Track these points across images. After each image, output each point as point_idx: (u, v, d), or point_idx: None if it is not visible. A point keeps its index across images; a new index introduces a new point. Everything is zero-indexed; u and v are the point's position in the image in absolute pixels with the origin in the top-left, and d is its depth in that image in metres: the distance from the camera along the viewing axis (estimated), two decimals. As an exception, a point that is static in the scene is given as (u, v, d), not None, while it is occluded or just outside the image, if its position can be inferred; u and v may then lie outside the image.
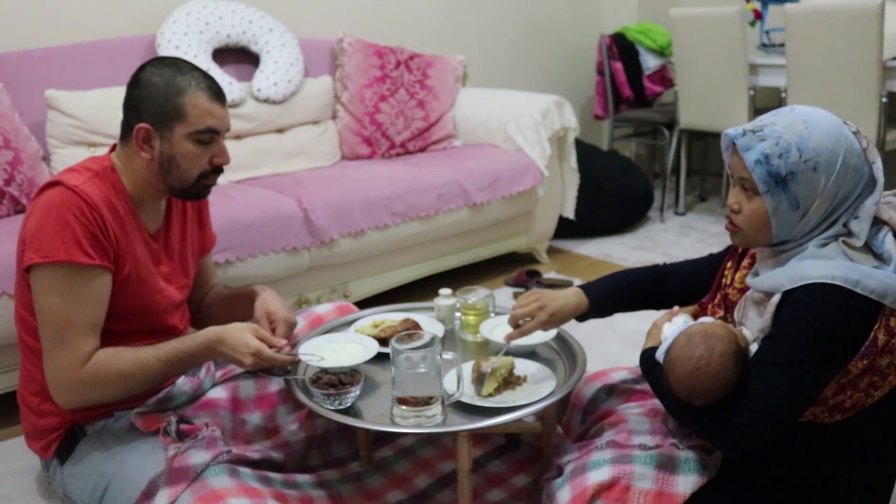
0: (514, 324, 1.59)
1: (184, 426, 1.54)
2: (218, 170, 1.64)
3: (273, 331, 1.66)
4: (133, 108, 1.56)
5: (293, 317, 1.73)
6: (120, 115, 1.60)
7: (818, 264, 1.25)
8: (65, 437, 1.61)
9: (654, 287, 1.62)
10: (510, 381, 1.56)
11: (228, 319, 1.65)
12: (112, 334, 1.55)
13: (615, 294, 1.62)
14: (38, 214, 1.48)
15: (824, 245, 1.29)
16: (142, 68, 1.58)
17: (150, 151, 1.56)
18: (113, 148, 1.65)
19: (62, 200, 1.47)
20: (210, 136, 1.58)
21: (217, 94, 1.59)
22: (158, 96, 1.53)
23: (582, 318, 1.61)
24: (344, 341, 1.72)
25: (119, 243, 1.54)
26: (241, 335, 1.56)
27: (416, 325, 1.78)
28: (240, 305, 1.83)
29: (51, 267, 1.46)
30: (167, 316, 1.69)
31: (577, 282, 3.20)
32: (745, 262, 1.49)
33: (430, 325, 1.83)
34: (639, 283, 1.63)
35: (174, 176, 1.58)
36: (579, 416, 1.70)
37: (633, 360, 1.57)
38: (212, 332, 1.58)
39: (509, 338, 1.59)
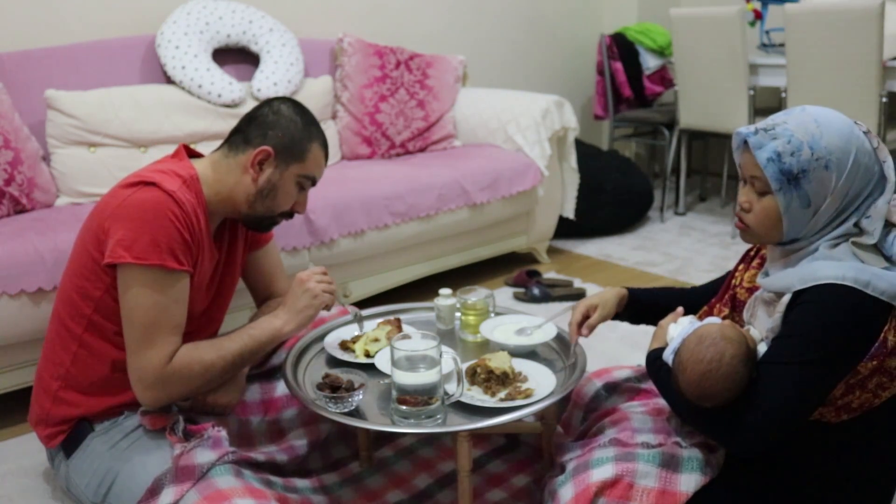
0: (578, 331, 1.65)
1: (190, 426, 1.54)
2: (291, 215, 1.71)
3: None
4: (261, 128, 1.62)
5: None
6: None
7: (829, 265, 1.25)
8: (72, 431, 1.60)
9: (686, 304, 1.60)
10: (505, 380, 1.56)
11: None
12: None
13: (652, 299, 1.66)
14: (133, 213, 1.47)
15: (835, 246, 1.30)
16: (278, 101, 1.66)
17: (258, 174, 1.61)
18: (188, 153, 1.67)
19: (159, 203, 1.47)
20: (309, 185, 1.68)
21: (327, 153, 1.71)
22: (294, 132, 1.62)
23: (619, 316, 1.67)
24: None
25: (200, 251, 1.57)
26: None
27: (398, 326, 1.76)
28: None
29: (142, 268, 1.46)
30: (219, 313, 1.76)
31: (578, 282, 3.20)
32: (755, 262, 1.49)
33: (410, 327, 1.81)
34: (673, 297, 1.65)
35: (265, 205, 1.64)
36: (580, 415, 1.70)
37: (633, 360, 1.58)
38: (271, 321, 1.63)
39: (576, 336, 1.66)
